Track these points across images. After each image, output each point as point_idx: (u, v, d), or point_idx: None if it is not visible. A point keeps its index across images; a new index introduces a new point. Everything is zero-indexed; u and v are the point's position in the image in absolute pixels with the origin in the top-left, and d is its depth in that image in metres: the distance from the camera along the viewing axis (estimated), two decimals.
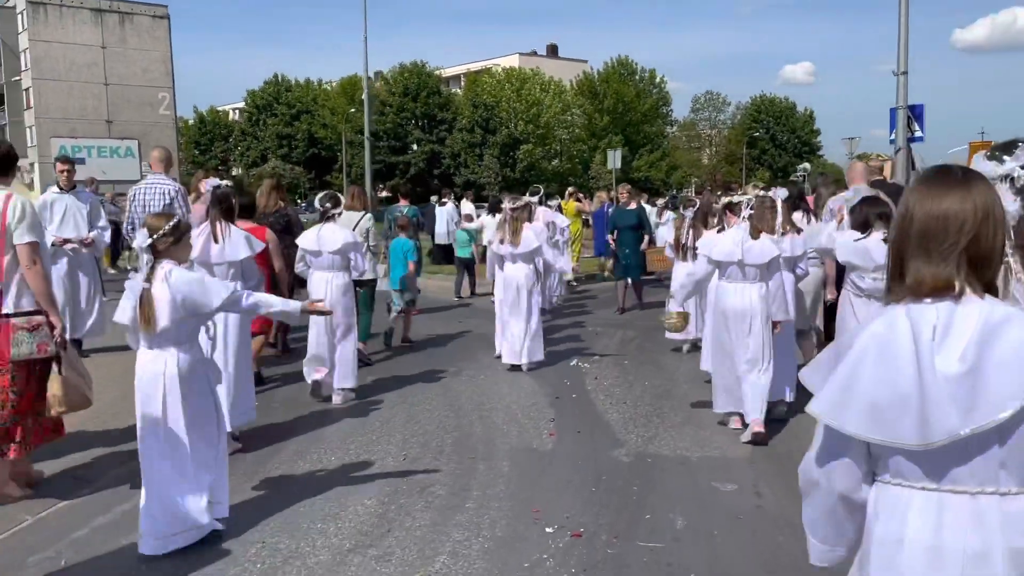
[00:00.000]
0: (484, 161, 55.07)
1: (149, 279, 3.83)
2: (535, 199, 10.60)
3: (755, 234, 5.62)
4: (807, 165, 47.20)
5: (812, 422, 1.72)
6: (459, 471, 5.11)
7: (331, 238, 6.67)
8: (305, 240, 6.80)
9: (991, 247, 1.61)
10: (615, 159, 27.23)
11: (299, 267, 6.90)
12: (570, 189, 17.90)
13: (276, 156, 65.24)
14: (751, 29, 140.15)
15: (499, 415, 6.44)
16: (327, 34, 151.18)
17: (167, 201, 7.45)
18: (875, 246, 4.98)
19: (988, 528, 1.56)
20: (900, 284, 1.64)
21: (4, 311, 4.25)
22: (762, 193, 5.95)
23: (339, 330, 6.72)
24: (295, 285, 7.51)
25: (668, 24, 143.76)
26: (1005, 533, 1.55)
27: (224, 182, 5.73)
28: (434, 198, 20.08)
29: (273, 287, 6.52)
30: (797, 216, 6.78)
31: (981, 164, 2.35)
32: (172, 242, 3.92)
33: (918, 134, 14.53)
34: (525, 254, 8.02)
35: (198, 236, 5.27)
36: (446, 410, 6.60)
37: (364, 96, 24.12)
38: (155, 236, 3.87)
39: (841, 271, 6.82)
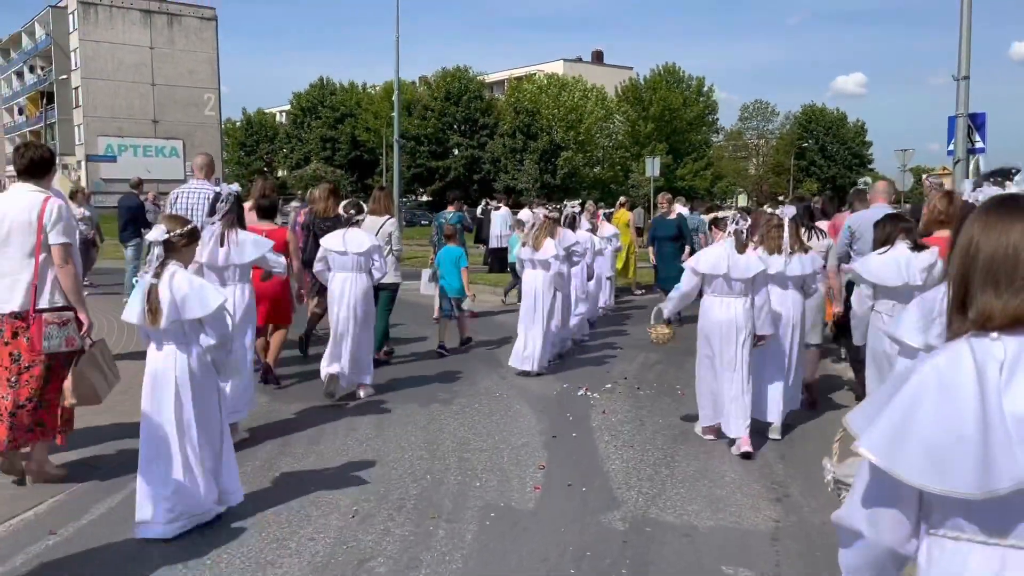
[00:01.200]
0: (524, 166, 54.23)
1: (158, 275, 3.96)
2: (576, 209, 10.37)
3: (741, 248, 5.66)
4: (868, 179, 45.47)
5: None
6: (413, 537, 4.21)
7: (357, 240, 6.86)
8: (331, 241, 6.91)
9: None
10: (654, 166, 26.20)
11: (318, 267, 7.01)
12: (622, 199, 17.01)
13: (319, 159, 65.14)
14: (801, 40, 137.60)
15: (481, 458, 5.54)
16: (374, 38, 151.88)
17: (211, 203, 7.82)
18: (903, 257, 4.95)
19: None
20: (962, 318, 1.53)
21: (38, 307, 4.51)
22: (769, 211, 6.00)
23: (359, 328, 6.92)
24: (319, 291, 7.96)
25: (715, 34, 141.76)
26: None
27: (234, 187, 5.93)
28: (492, 203, 19.38)
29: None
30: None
31: (988, 189, 2.37)
32: (184, 244, 4.10)
33: (979, 145, 13.24)
34: (544, 261, 8.07)
35: (209, 240, 5.57)
36: (422, 449, 5.72)
37: (395, 97, 23.46)
38: (172, 234, 4.02)
39: (850, 285, 6.65)
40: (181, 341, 3.98)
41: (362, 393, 7.09)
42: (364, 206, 7.31)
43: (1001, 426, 1.36)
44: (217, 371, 4.17)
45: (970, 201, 2.27)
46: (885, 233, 5.11)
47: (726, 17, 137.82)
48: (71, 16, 60.19)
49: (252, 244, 5.71)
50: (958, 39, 12.33)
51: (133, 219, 13.30)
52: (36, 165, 4.61)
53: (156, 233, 3.98)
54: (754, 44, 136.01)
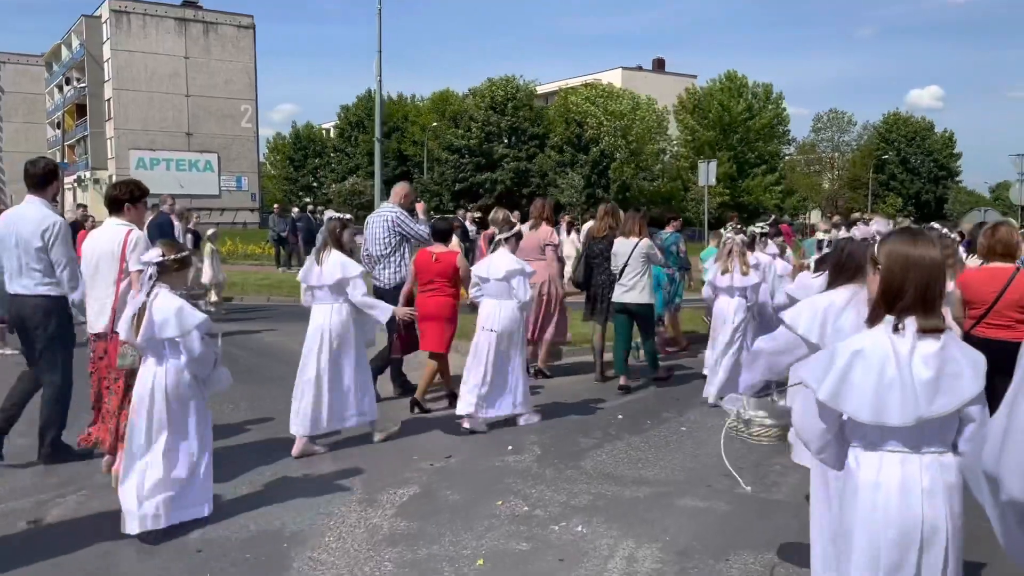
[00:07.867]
0: (567, 178, 49.75)
1: (149, 294, 4.24)
2: (759, 228, 9.16)
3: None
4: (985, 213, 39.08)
5: None
6: None
7: (498, 265, 6.58)
8: (478, 267, 6.83)
9: None
10: (709, 173, 21.50)
11: (474, 291, 6.81)
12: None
13: (365, 173, 61.86)
14: (872, 53, 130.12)
15: None
16: (427, 49, 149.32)
17: (389, 225, 7.57)
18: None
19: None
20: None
21: (116, 328, 4.79)
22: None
23: (506, 358, 6.63)
24: None
25: (783, 46, 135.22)
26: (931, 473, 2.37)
27: (340, 215, 6.19)
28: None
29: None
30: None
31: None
32: (175, 269, 4.36)
33: None
34: (743, 288, 7.63)
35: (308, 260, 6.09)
36: None
37: (376, 102, 19.51)
38: (166, 257, 4.29)
39: None
40: (161, 355, 4.25)
41: (522, 421, 6.76)
42: (520, 226, 7.47)
43: (910, 382, 2.27)
44: (207, 385, 4.40)
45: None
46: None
47: (793, 30, 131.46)
48: (104, 25, 58.37)
49: (341, 266, 5.88)
50: None
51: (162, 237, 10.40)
52: (35, 178, 5.23)
53: (152, 255, 4.27)
54: (823, 57, 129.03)
